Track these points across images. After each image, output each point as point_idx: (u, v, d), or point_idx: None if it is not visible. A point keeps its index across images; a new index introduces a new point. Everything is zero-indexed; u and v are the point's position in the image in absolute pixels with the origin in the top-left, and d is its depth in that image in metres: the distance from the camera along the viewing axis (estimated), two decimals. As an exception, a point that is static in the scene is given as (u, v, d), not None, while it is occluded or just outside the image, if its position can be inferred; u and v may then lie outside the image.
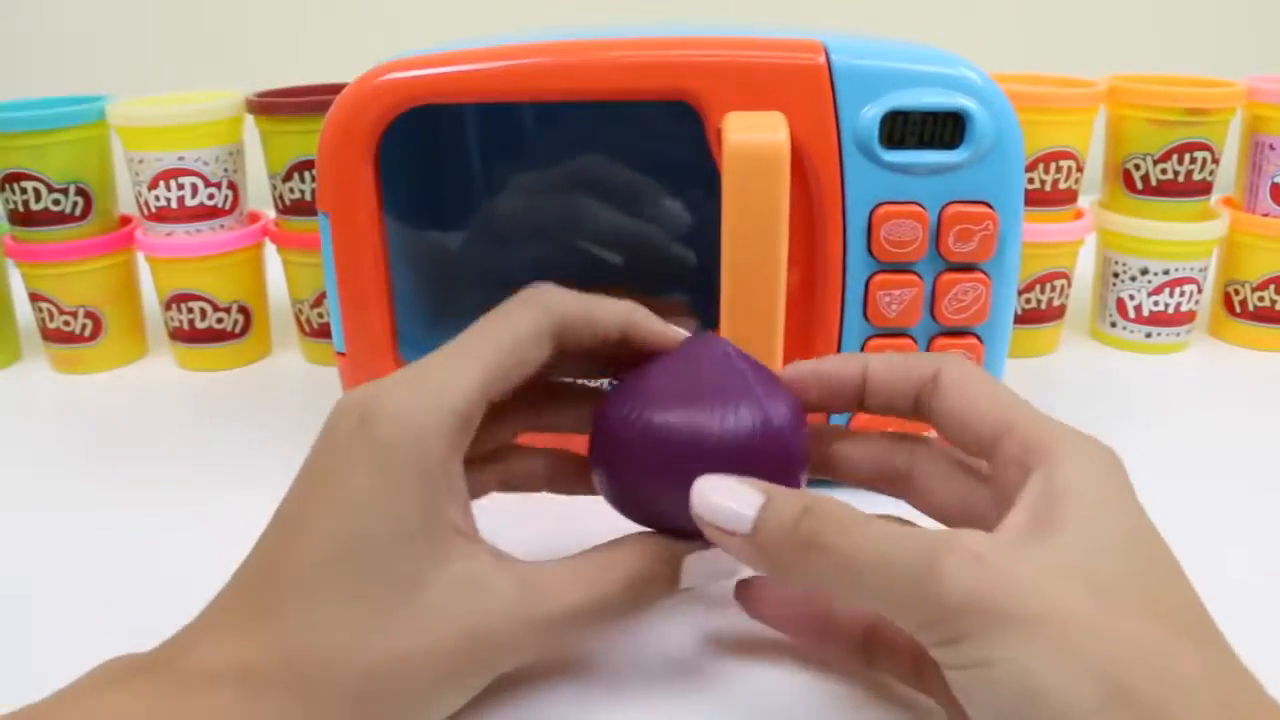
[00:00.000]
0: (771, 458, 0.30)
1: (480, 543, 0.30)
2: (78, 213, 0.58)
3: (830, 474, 0.34)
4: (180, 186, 0.57)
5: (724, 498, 0.27)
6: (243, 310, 0.61)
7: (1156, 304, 0.60)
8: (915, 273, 0.41)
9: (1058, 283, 0.60)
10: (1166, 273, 0.59)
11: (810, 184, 0.40)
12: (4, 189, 0.58)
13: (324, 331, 0.61)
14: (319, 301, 0.60)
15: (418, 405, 0.29)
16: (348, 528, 0.28)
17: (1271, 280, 0.60)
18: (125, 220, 0.61)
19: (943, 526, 0.32)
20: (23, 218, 0.58)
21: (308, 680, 0.26)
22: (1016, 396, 0.31)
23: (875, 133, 0.39)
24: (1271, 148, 0.59)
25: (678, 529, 0.31)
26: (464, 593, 0.28)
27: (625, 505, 0.32)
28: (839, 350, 0.42)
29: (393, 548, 0.28)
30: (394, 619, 0.27)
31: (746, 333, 0.39)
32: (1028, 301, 0.60)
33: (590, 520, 0.33)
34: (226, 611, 0.28)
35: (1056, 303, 0.60)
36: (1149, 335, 0.61)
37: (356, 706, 0.27)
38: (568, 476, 0.36)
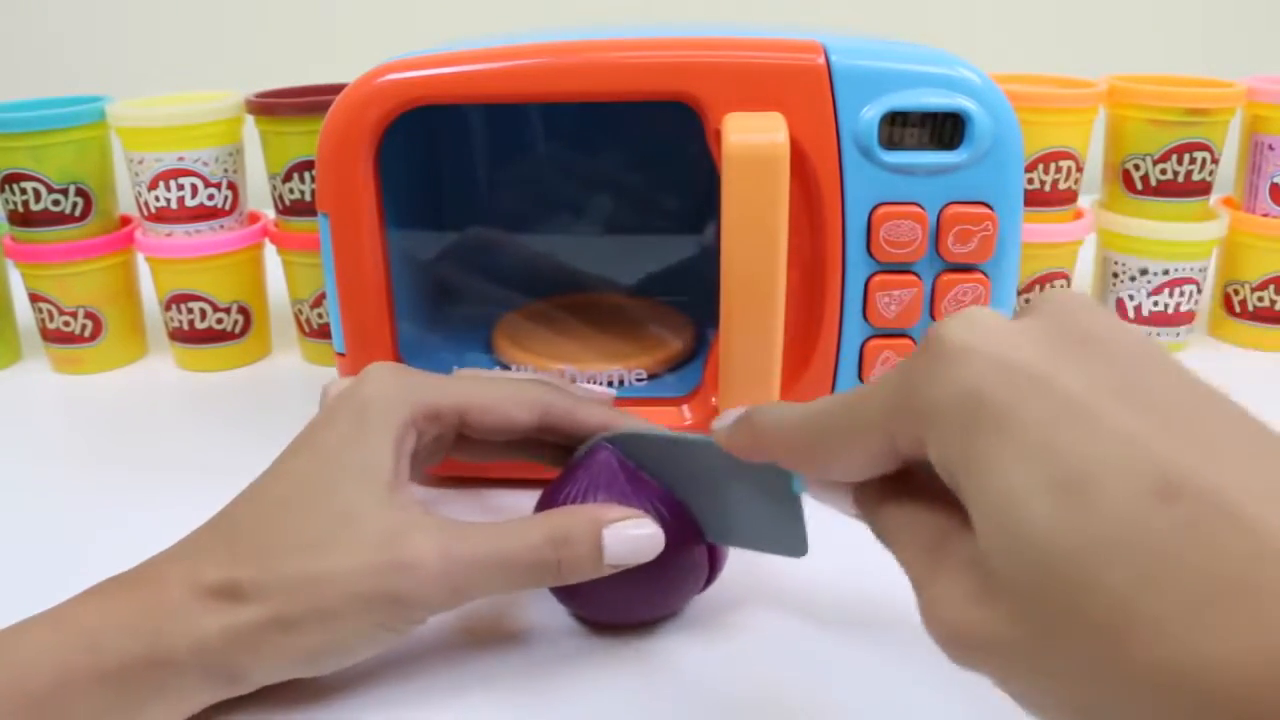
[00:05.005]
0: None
1: (416, 500, 0.33)
2: (78, 213, 0.58)
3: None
4: (180, 187, 0.57)
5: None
6: (243, 310, 0.61)
7: (1156, 304, 0.60)
8: (915, 273, 0.41)
9: (1057, 283, 0.60)
10: (1166, 273, 0.59)
11: (810, 185, 0.40)
12: (4, 189, 0.58)
13: (324, 332, 0.61)
14: (319, 301, 0.60)
15: (397, 383, 0.34)
16: (312, 468, 0.33)
17: (1271, 280, 0.60)
18: (125, 221, 0.61)
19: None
20: (23, 218, 0.58)
21: (239, 592, 0.30)
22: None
23: (874, 133, 0.39)
24: (1271, 148, 0.59)
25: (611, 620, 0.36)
26: (390, 527, 0.31)
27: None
28: (838, 351, 0.42)
29: (341, 485, 0.32)
30: (324, 544, 0.31)
31: (745, 334, 0.39)
32: (1027, 302, 0.60)
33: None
34: (196, 544, 0.33)
35: (1056, 303, 0.60)
36: (1149, 335, 0.61)
37: (279, 626, 0.30)
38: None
